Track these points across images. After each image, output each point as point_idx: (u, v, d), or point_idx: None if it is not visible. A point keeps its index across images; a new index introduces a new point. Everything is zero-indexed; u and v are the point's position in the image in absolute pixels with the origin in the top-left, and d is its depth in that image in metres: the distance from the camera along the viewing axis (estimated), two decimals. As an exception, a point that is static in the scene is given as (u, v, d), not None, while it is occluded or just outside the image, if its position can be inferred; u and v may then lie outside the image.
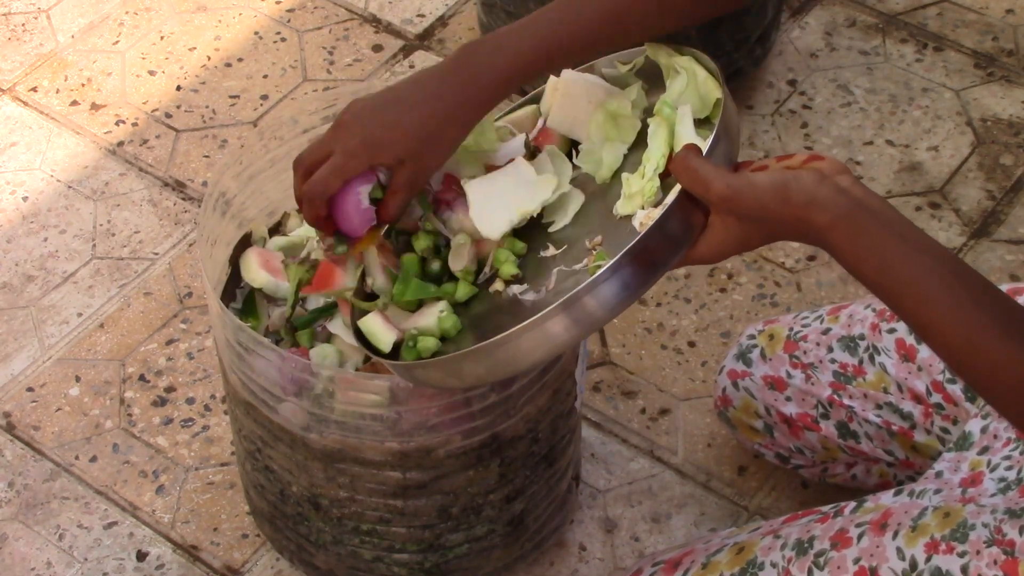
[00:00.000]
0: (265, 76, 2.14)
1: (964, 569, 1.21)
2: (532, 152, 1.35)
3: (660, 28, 1.28)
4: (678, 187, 1.16)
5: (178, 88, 2.12)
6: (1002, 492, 1.29)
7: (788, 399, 1.54)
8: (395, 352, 1.28)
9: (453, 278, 1.32)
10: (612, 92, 1.34)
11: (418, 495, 1.43)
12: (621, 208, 1.25)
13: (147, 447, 1.74)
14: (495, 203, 1.31)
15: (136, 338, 1.84)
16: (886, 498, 1.32)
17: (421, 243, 1.32)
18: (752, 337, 1.58)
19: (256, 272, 1.45)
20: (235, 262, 1.47)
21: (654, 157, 1.24)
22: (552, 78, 1.36)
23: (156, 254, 1.93)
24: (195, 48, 2.18)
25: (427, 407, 1.35)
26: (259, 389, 1.39)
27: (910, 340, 1.46)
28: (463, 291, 1.29)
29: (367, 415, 1.35)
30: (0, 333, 1.85)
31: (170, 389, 1.80)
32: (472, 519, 1.47)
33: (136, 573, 1.64)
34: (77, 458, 1.74)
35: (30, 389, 1.80)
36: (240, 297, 1.47)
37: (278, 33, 2.20)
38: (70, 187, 2.00)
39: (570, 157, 1.36)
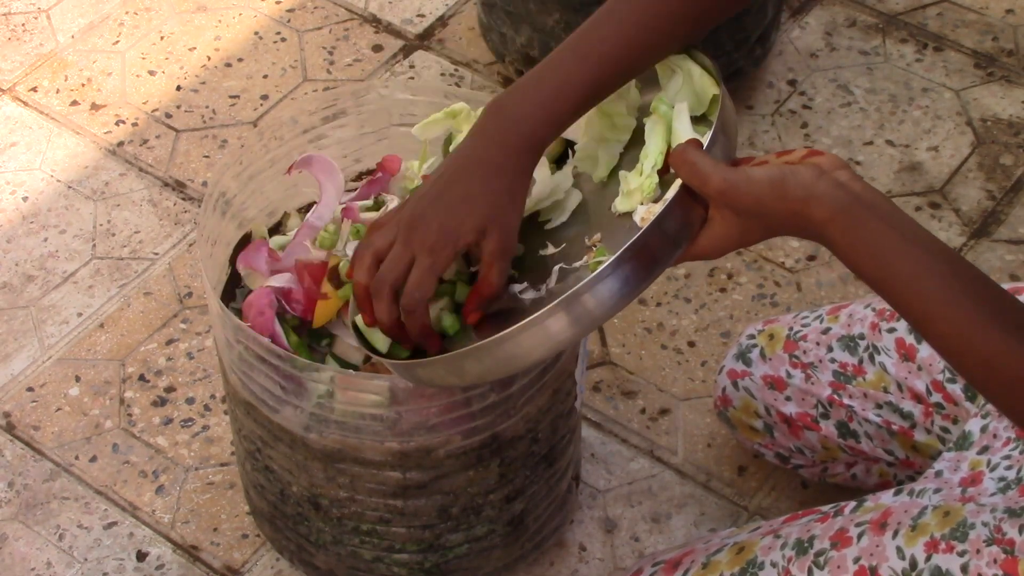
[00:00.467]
0: (265, 76, 2.14)
1: (964, 568, 1.21)
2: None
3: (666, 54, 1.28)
4: (679, 182, 1.16)
5: (178, 88, 2.12)
6: (1002, 491, 1.29)
7: (788, 399, 1.54)
8: (395, 352, 1.28)
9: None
10: None
11: (418, 495, 1.43)
12: (620, 205, 1.25)
13: (147, 447, 1.74)
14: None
15: (136, 338, 1.84)
16: (886, 498, 1.32)
17: None
18: (752, 337, 1.58)
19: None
20: (235, 262, 1.47)
21: (652, 154, 1.24)
22: None
23: (156, 254, 1.93)
24: (195, 48, 2.18)
25: (427, 407, 1.35)
26: (259, 389, 1.39)
27: (910, 339, 1.46)
28: (462, 291, 1.29)
29: (367, 415, 1.35)
30: (0, 333, 1.85)
31: (170, 389, 1.80)
32: (472, 519, 1.47)
33: (136, 573, 1.64)
34: (77, 458, 1.74)
35: (30, 389, 1.80)
36: (240, 297, 1.47)
37: (278, 33, 2.20)
38: (70, 187, 2.00)
39: (566, 157, 1.36)
